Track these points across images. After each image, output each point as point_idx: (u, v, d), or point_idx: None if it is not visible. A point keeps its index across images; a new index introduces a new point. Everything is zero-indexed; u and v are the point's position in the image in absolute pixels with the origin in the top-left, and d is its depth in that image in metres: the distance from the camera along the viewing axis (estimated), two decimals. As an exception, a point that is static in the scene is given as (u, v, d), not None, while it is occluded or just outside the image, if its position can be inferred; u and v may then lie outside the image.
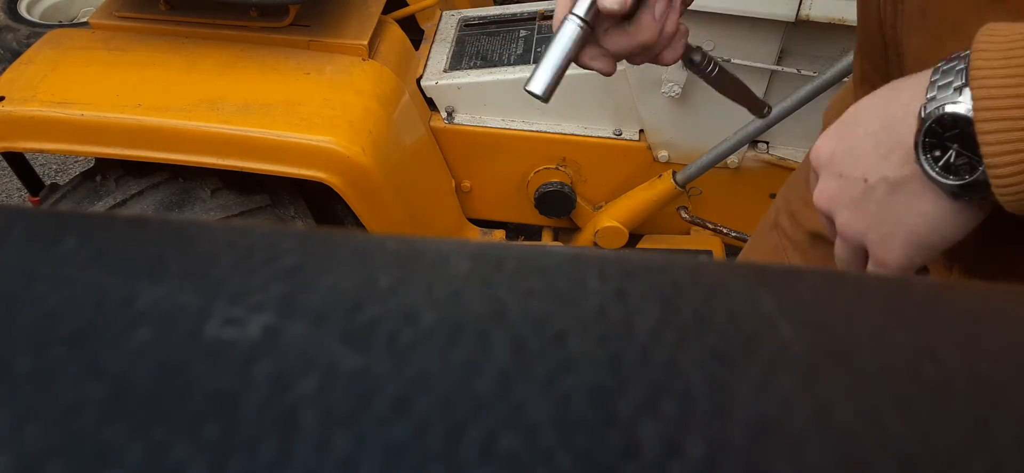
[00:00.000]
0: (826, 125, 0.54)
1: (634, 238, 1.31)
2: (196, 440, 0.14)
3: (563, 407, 0.15)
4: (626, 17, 0.58)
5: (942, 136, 0.35)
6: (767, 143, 1.20)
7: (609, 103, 1.17)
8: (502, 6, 1.38)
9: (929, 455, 0.14)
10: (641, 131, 1.20)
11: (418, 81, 1.22)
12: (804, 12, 0.97)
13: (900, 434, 0.15)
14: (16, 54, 1.96)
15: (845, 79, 1.03)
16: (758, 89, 1.10)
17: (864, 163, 0.39)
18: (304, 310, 0.17)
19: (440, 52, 1.26)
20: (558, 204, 1.25)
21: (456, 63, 1.22)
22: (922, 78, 0.37)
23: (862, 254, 0.42)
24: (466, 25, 1.31)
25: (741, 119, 1.11)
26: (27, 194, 1.31)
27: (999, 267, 0.45)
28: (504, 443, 0.14)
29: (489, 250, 0.20)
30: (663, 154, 1.19)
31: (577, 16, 0.57)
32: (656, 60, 0.63)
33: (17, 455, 0.14)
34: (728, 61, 1.06)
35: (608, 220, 1.26)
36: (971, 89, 0.34)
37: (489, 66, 1.18)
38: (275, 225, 0.21)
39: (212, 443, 0.14)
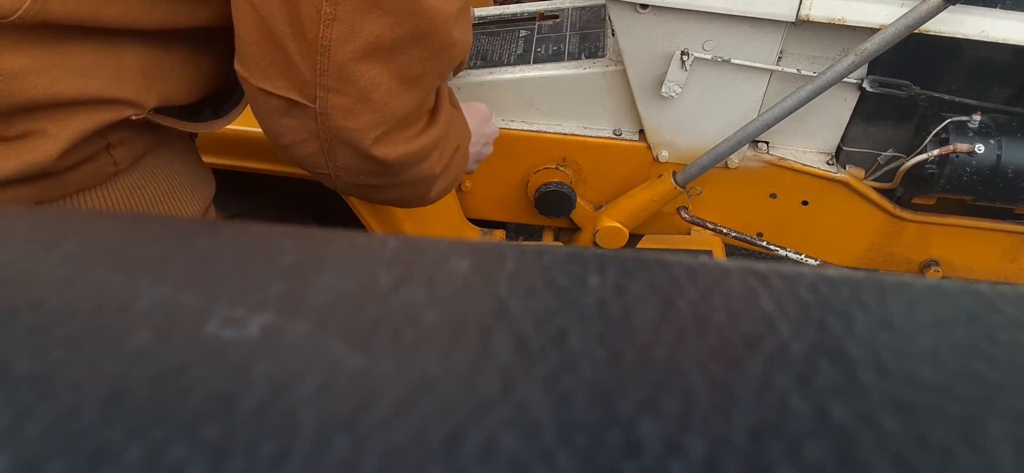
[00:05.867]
0: None
1: (634, 238, 1.30)
2: (195, 441, 0.14)
3: (564, 406, 0.15)
4: None
5: None
6: (767, 143, 1.20)
7: (609, 103, 1.17)
8: (502, 6, 1.38)
9: (925, 455, 0.14)
10: (641, 131, 1.20)
11: (418, 81, 1.22)
12: (804, 12, 0.97)
13: (897, 434, 0.15)
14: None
15: (845, 79, 1.03)
16: (758, 89, 1.10)
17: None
18: (304, 309, 0.17)
19: (440, 52, 1.27)
20: (558, 204, 1.24)
21: (456, 63, 1.22)
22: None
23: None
24: (466, 25, 1.30)
25: (741, 119, 1.11)
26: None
27: None
28: (505, 443, 0.14)
29: (489, 249, 0.20)
30: (663, 154, 1.19)
31: None
32: None
33: (17, 455, 0.14)
34: (728, 61, 1.06)
35: (608, 220, 1.26)
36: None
37: (489, 66, 1.18)
38: (275, 225, 0.21)
39: (211, 444, 0.14)
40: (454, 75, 1.16)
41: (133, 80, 0.58)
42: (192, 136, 0.81)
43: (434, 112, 0.72)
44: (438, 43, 0.62)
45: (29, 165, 0.54)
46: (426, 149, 0.70)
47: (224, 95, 0.70)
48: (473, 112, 0.95)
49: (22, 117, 0.53)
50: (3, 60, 0.50)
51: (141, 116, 0.60)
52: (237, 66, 0.62)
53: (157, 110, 0.62)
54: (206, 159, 1.06)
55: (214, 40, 0.62)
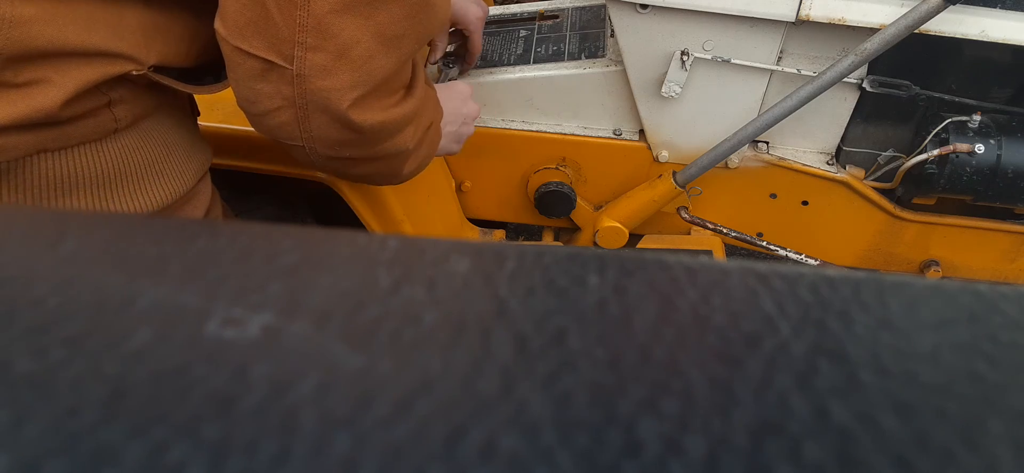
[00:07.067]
0: None
1: (634, 238, 1.30)
2: (195, 441, 0.14)
3: (564, 406, 0.15)
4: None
5: None
6: (767, 143, 1.20)
7: (609, 103, 1.17)
8: (502, 6, 1.38)
9: (925, 455, 0.14)
10: (641, 131, 1.20)
11: (418, 81, 1.22)
12: (804, 12, 0.97)
13: (897, 434, 0.15)
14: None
15: (845, 79, 1.03)
16: (758, 89, 1.10)
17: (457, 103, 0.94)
18: (304, 309, 0.17)
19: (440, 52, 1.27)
20: (558, 204, 1.24)
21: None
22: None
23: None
24: (466, 25, 1.30)
25: (741, 119, 1.11)
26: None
27: None
28: (505, 443, 0.14)
29: (489, 249, 0.20)
30: (663, 154, 1.19)
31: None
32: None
33: (17, 455, 0.14)
34: (728, 61, 1.06)
35: (608, 220, 1.26)
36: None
37: (489, 66, 1.18)
38: (275, 225, 0.21)
39: (211, 444, 0.14)
40: (436, 63, 1.16)
41: (133, 37, 0.61)
42: (194, 110, 0.83)
43: (410, 86, 0.73)
44: (415, 0, 0.62)
45: (34, 111, 0.56)
46: (401, 121, 0.71)
47: (224, 63, 0.71)
48: (452, 92, 0.95)
49: (28, 64, 0.56)
50: (13, 8, 0.53)
51: (141, 72, 0.62)
52: (216, 24, 0.62)
53: (157, 69, 0.64)
54: (206, 159, 1.06)
55: (214, 7, 0.63)
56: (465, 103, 0.97)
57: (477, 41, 1.10)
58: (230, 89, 0.73)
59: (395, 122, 0.70)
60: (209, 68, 0.73)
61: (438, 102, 0.86)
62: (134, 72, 0.61)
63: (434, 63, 1.15)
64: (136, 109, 0.65)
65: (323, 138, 0.67)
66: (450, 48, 1.15)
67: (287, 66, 0.61)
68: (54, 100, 0.56)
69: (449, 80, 1.16)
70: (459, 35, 1.11)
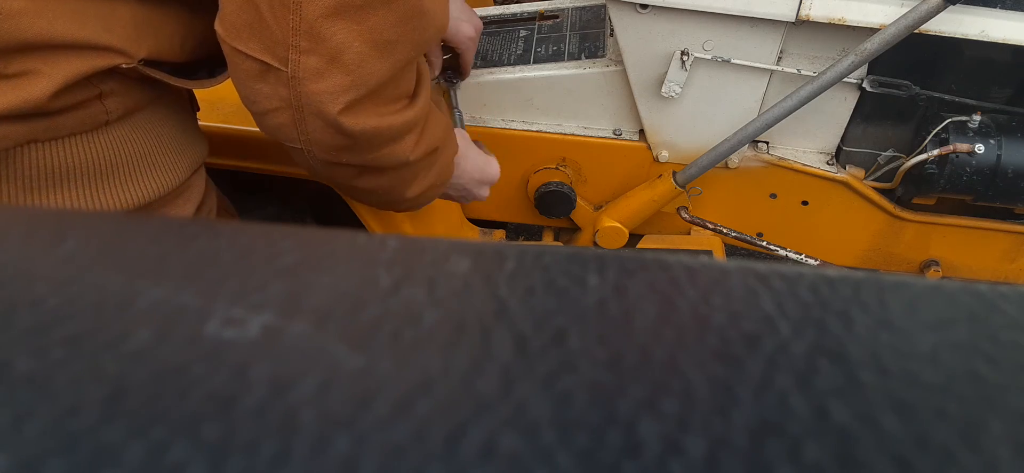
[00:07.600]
0: None
1: (634, 238, 1.30)
2: (195, 441, 0.14)
3: (564, 406, 0.15)
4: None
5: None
6: (767, 143, 1.20)
7: (609, 103, 1.17)
8: (502, 6, 1.38)
9: (925, 455, 0.14)
10: (641, 131, 1.20)
11: (418, 81, 1.22)
12: (804, 12, 0.97)
13: (897, 434, 0.15)
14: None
15: (845, 79, 1.03)
16: (758, 89, 1.10)
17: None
18: (304, 310, 0.17)
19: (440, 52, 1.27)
20: (558, 204, 1.24)
21: (456, 63, 1.22)
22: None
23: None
24: (466, 25, 1.30)
25: (741, 119, 1.11)
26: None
27: None
28: (505, 442, 0.14)
29: (489, 249, 0.20)
30: (663, 154, 1.19)
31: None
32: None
33: (17, 455, 0.14)
34: (728, 61, 1.06)
35: (608, 220, 1.26)
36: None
37: (489, 66, 1.18)
38: (275, 225, 0.21)
39: (211, 444, 0.14)
40: (435, 79, 1.15)
41: (124, 30, 0.61)
42: (193, 103, 0.83)
43: (413, 97, 0.72)
44: (407, 7, 0.62)
45: (24, 102, 0.57)
46: (399, 128, 0.70)
47: (219, 59, 0.71)
48: (480, 155, 0.95)
49: (18, 56, 0.56)
50: (4, 0, 0.54)
51: (131, 65, 0.62)
52: (216, 25, 0.62)
53: (149, 63, 0.64)
54: (206, 158, 1.06)
55: (209, 3, 0.63)
56: (489, 164, 0.97)
57: (468, 60, 1.10)
58: (228, 86, 0.73)
59: (391, 129, 0.69)
60: (204, 63, 0.73)
61: (451, 131, 0.85)
62: (123, 65, 0.61)
63: (433, 80, 1.14)
64: (127, 102, 0.66)
65: (319, 142, 0.67)
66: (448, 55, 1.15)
67: (282, 68, 0.61)
68: (43, 91, 0.57)
69: (455, 92, 1.16)
70: (453, 50, 1.11)
